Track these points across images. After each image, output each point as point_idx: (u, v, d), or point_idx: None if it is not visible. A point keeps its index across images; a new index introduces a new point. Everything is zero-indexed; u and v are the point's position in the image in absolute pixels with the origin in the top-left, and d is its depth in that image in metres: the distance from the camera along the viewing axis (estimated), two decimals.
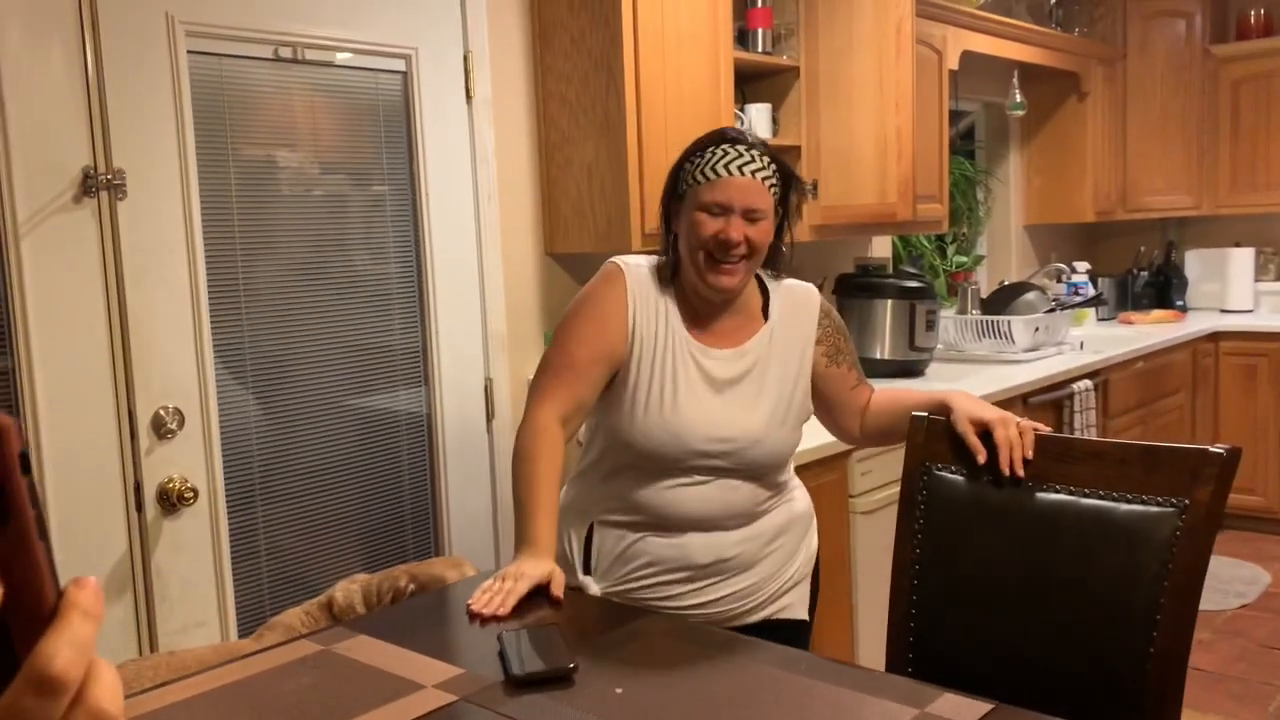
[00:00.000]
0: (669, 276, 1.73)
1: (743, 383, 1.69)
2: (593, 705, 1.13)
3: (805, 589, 1.81)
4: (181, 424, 2.11)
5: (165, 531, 2.10)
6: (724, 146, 1.64)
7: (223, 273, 2.19)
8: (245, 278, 2.23)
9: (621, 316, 1.67)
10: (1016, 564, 1.55)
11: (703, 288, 1.66)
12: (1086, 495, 1.52)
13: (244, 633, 2.24)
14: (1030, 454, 1.58)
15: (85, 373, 1.99)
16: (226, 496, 2.20)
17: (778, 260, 1.76)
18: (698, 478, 1.66)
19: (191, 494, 2.10)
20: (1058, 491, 1.55)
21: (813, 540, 1.84)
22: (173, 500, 2.09)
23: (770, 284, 1.79)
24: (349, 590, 1.92)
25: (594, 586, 1.68)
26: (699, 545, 1.67)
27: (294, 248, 2.33)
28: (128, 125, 2.02)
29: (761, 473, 1.71)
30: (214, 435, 2.17)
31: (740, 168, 1.62)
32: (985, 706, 1.10)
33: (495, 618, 1.39)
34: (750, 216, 1.62)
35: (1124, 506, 1.48)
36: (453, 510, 2.64)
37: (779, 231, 1.72)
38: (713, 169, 1.63)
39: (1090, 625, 1.47)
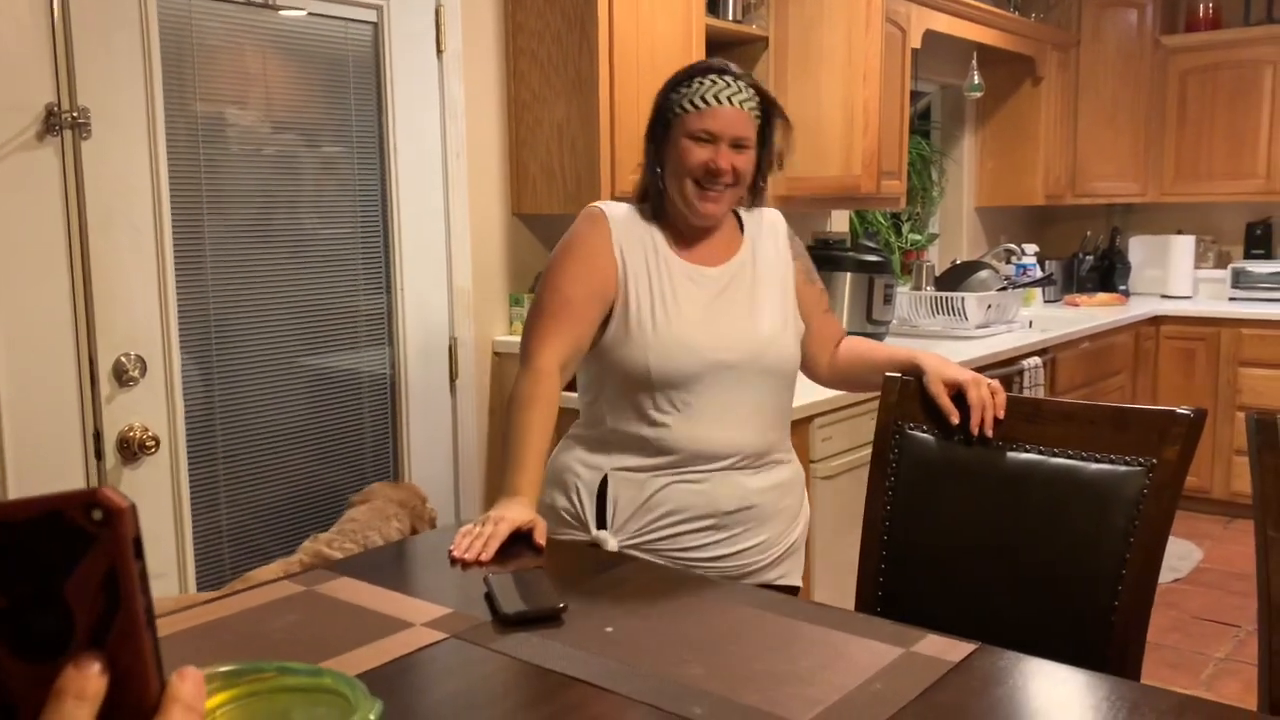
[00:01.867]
0: (651, 209, 1.73)
1: (738, 294, 1.71)
2: (583, 643, 1.14)
3: (801, 557, 1.82)
4: (144, 372, 2.07)
5: (125, 480, 2.06)
6: (712, 76, 1.65)
7: (188, 220, 2.15)
8: (210, 227, 2.19)
9: (608, 252, 1.68)
10: (986, 522, 1.59)
11: (689, 214, 1.68)
12: (1056, 455, 1.56)
13: (203, 585, 2.21)
14: (1001, 414, 1.62)
15: (46, 315, 1.94)
16: (188, 448, 2.16)
17: (758, 192, 1.77)
18: (719, 391, 1.66)
19: (153, 443, 2.07)
20: (1028, 451, 1.59)
21: (808, 507, 1.86)
22: (133, 449, 2.05)
23: (738, 208, 1.80)
24: (317, 550, 1.90)
25: (612, 541, 1.64)
26: (725, 490, 1.67)
27: (260, 199, 2.28)
28: (93, 63, 1.96)
29: (777, 386, 1.72)
30: (176, 385, 2.13)
31: (729, 98, 1.64)
32: (969, 647, 1.13)
33: (478, 562, 1.39)
34: (737, 145, 1.64)
35: (1093, 465, 1.53)
36: (415, 470, 2.62)
37: (760, 163, 1.73)
38: (702, 98, 1.64)
39: (1058, 581, 1.51)
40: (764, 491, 1.71)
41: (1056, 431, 1.57)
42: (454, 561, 1.40)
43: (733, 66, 1.69)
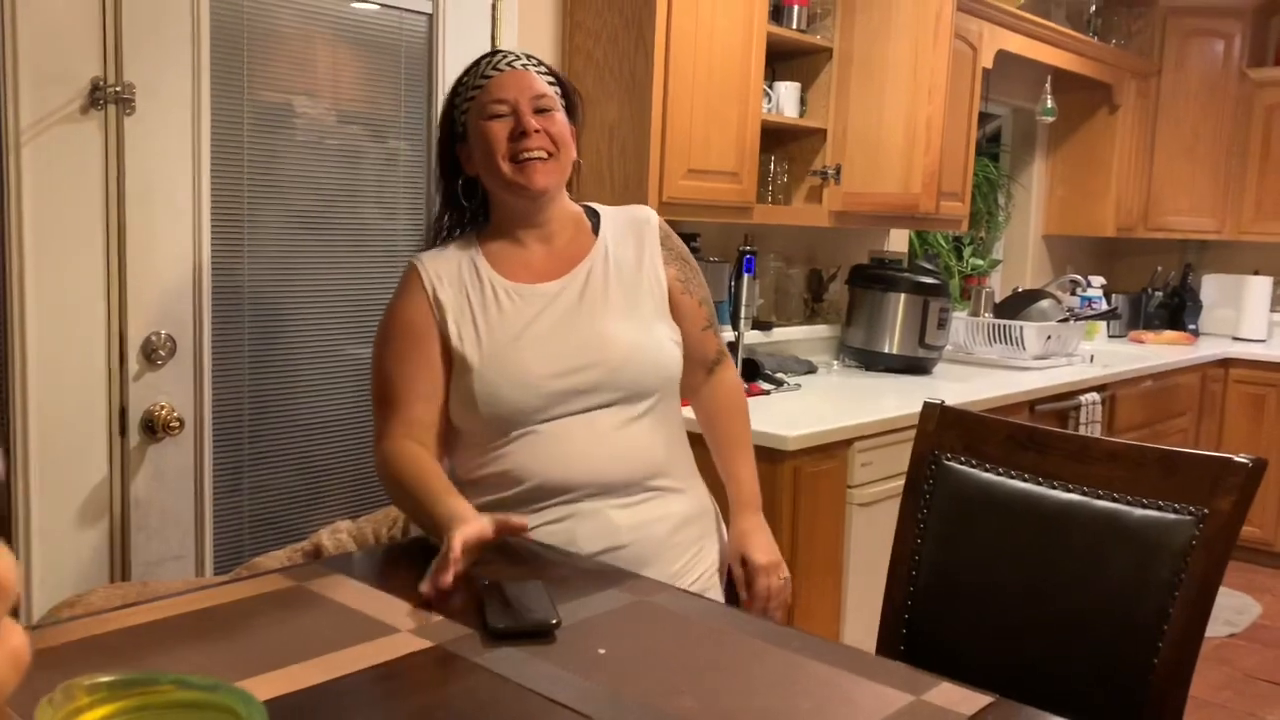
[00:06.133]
0: (471, 233, 1.61)
1: (585, 306, 1.53)
2: (573, 663, 1.08)
3: (718, 598, 1.62)
4: (173, 351, 2.06)
5: (148, 459, 2.05)
6: (487, 57, 1.57)
7: (228, 204, 2.13)
8: (251, 212, 2.17)
9: (424, 310, 1.53)
10: (1022, 561, 1.50)
11: (517, 200, 1.53)
12: (1100, 497, 1.47)
13: (220, 570, 2.19)
14: (779, 614, 1.64)
15: (78, 288, 1.93)
16: (214, 430, 2.15)
17: (574, 183, 1.63)
18: (569, 417, 1.47)
19: (177, 424, 2.05)
20: (1070, 491, 1.49)
21: (719, 544, 1.65)
22: (157, 429, 2.03)
23: (599, 207, 1.66)
24: (338, 538, 1.87)
25: None
26: (586, 529, 1.46)
27: (304, 186, 2.26)
28: (142, 39, 1.95)
29: (652, 404, 1.52)
30: (206, 366, 2.11)
31: (509, 63, 1.54)
32: (985, 699, 1.05)
33: (446, 591, 1.22)
34: (539, 106, 1.51)
35: (1139, 511, 1.43)
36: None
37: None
38: (483, 75, 1.54)
39: (1094, 630, 1.41)
40: (639, 529, 1.49)
41: (1102, 472, 1.48)
42: (426, 601, 1.22)
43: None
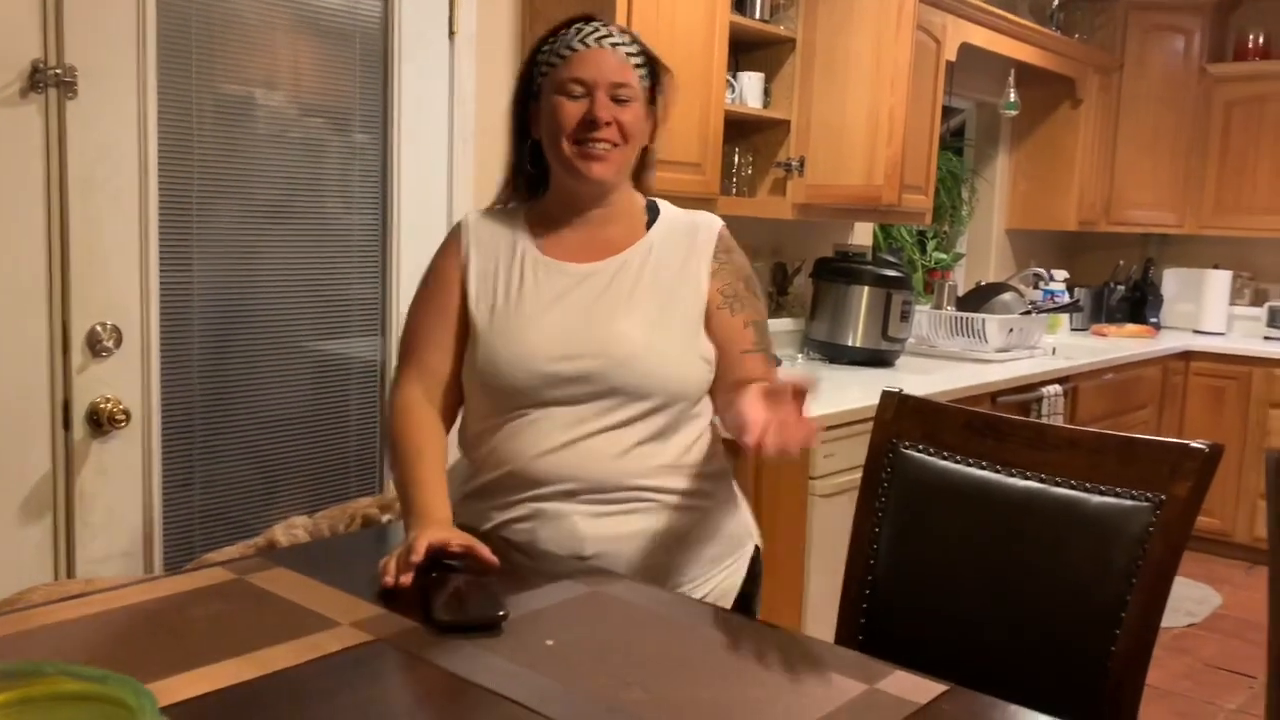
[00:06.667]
0: (525, 197, 1.56)
1: (608, 295, 1.45)
2: (520, 656, 1.05)
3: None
4: (119, 343, 2.00)
5: (93, 453, 1.99)
6: (579, 24, 1.45)
7: (176, 191, 2.08)
8: (200, 199, 2.12)
9: (454, 264, 1.51)
10: (980, 549, 1.48)
11: (574, 182, 1.46)
12: (1058, 484, 1.46)
13: (170, 566, 2.14)
14: (795, 448, 1.19)
15: (18, 278, 1.88)
16: (162, 423, 2.09)
17: (649, 175, 1.55)
18: (561, 403, 1.40)
19: (123, 417, 1.99)
20: (1029, 479, 1.48)
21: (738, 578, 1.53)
22: (103, 422, 1.98)
23: (664, 205, 1.57)
24: (294, 534, 1.83)
25: None
26: (549, 533, 1.40)
27: (255, 175, 2.21)
28: (83, 20, 1.90)
29: (653, 412, 1.42)
30: (153, 358, 2.06)
31: (599, 40, 1.43)
32: (939, 687, 1.03)
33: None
34: (617, 95, 1.42)
35: (1096, 498, 1.42)
36: None
37: (652, 140, 1.52)
38: (568, 45, 1.43)
39: (1052, 617, 1.40)
40: (607, 542, 1.40)
41: (1060, 459, 1.46)
42: (385, 588, 1.20)
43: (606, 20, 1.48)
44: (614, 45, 1.43)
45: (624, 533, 1.41)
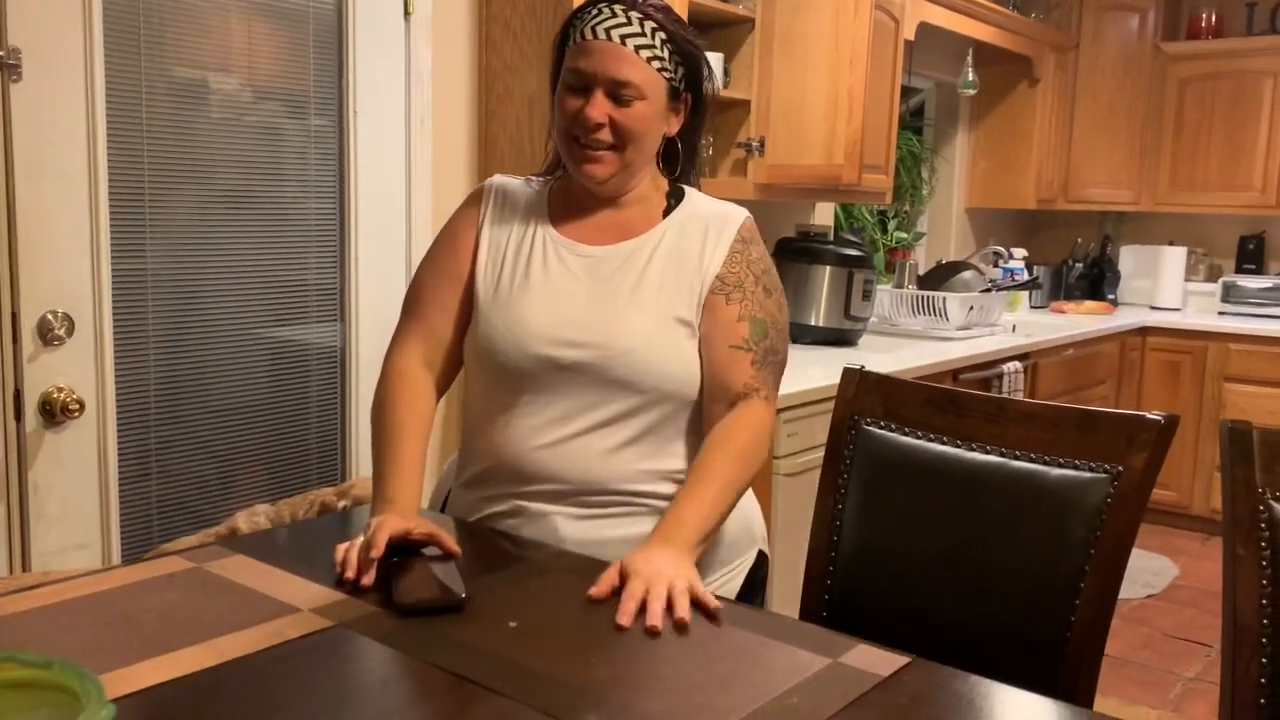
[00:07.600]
0: (552, 170, 1.51)
1: (616, 282, 1.39)
2: (483, 637, 1.04)
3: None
4: (71, 331, 1.97)
5: (46, 444, 1.96)
6: (601, 5, 1.34)
7: (127, 175, 2.04)
8: (152, 185, 2.08)
9: (470, 227, 1.47)
10: (942, 523, 1.49)
11: (580, 179, 1.41)
12: (1018, 458, 1.47)
13: (128, 558, 2.11)
14: (658, 622, 1.09)
15: None
16: (118, 413, 2.06)
17: (687, 167, 1.48)
18: (554, 393, 1.36)
19: (77, 406, 1.96)
20: (989, 452, 1.49)
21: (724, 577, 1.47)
22: (56, 412, 1.94)
23: (692, 193, 1.49)
24: (255, 521, 1.80)
25: None
26: (530, 532, 1.38)
27: (207, 159, 2.17)
28: (27, 1, 1.85)
29: (647, 408, 1.37)
30: (107, 347, 2.02)
31: (608, 30, 1.31)
32: (902, 659, 1.04)
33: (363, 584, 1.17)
34: (618, 94, 1.32)
35: (1055, 471, 1.43)
36: (362, 445, 2.52)
37: (690, 130, 1.44)
38: (581, 32, 1.34)
39: (1014, 589, 1.42)
40: (589, 546, 1.35)
41: (1019, 433, 1.48)
42: (346, 582, 1.18)
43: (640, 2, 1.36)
44: (624, 38, 1.32)
45: (608, 537, 1.37)
